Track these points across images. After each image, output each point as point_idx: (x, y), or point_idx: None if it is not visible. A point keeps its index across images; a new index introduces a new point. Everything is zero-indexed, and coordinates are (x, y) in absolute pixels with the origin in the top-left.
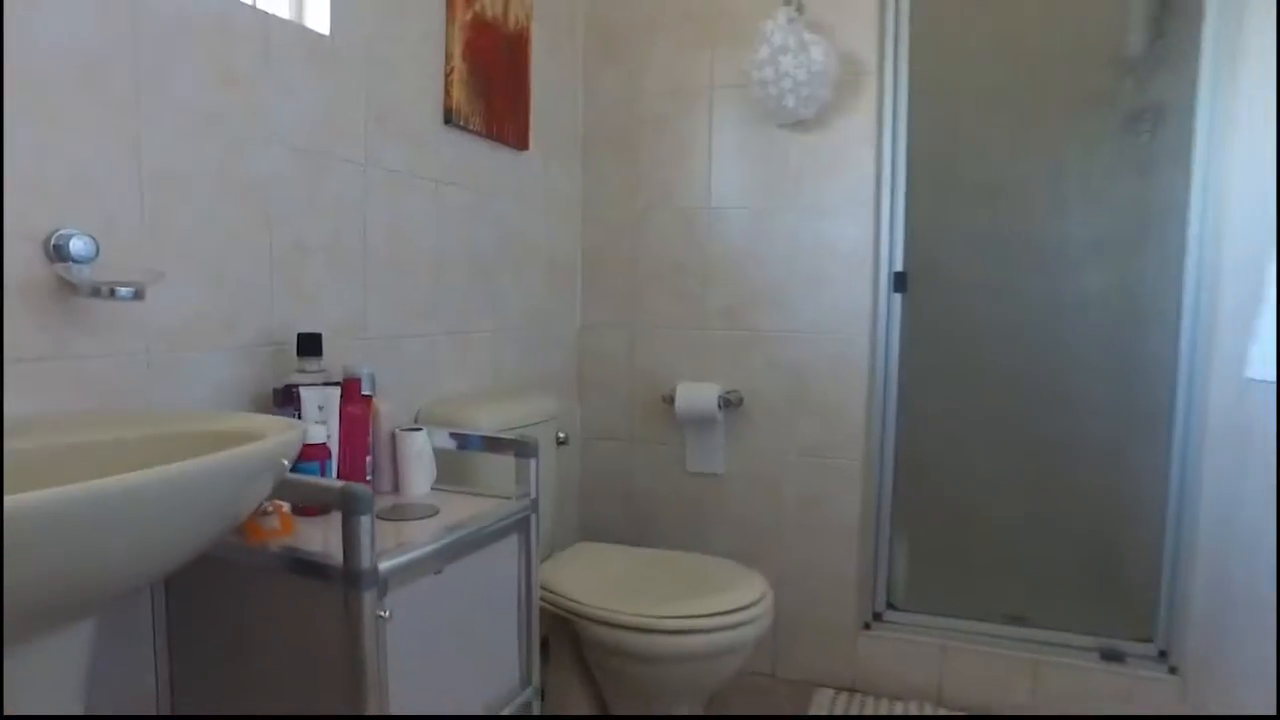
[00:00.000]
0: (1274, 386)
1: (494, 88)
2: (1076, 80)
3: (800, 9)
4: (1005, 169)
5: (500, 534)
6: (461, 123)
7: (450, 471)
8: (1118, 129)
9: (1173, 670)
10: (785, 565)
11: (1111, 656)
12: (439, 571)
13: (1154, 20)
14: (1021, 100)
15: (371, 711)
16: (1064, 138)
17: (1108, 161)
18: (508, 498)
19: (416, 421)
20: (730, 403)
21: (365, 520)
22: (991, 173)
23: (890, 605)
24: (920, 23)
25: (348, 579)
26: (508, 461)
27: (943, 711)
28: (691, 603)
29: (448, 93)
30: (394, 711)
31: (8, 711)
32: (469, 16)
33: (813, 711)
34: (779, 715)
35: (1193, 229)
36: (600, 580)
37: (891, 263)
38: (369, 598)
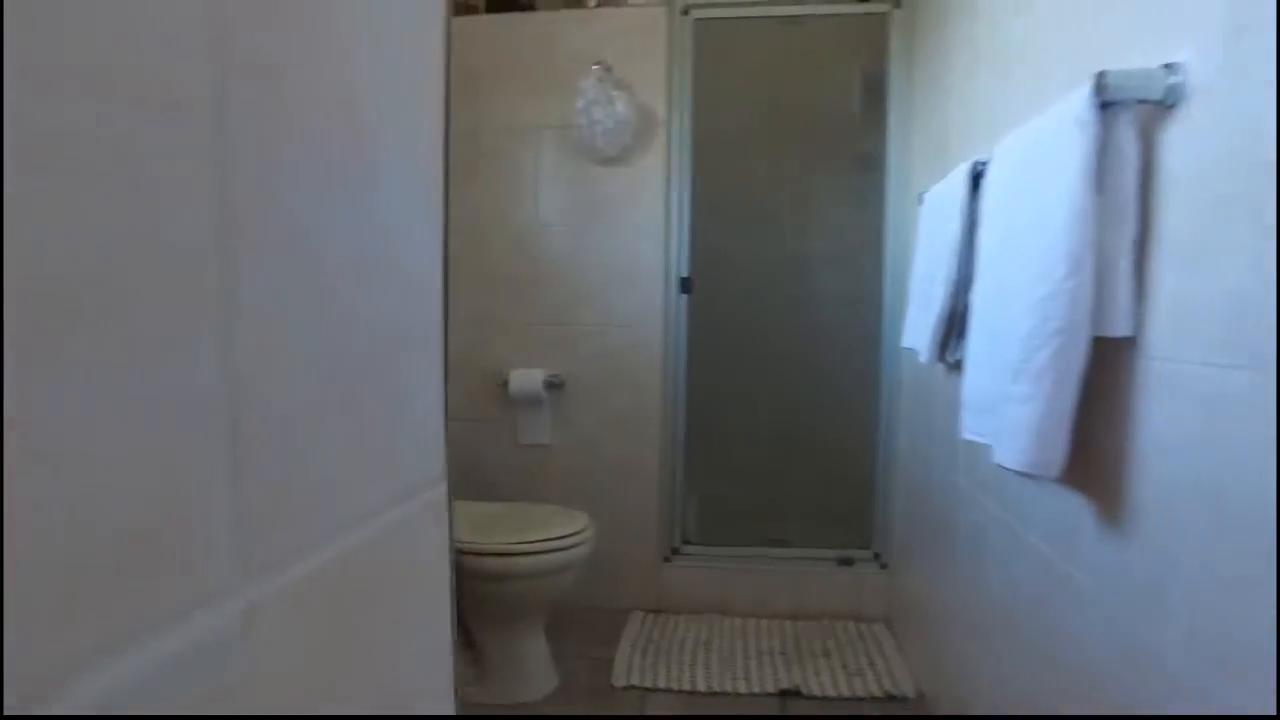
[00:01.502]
0: (922, 356)
1: None
2: (817, 131)
3: (608, 69)
4: (766, 199)
5: None
6: None
7: None
8: (846, 170)
9: (884, 567)
10: (602, 513)
11: (845, 562)
12: None
13: (865, 89)
14: (779, 146)
15: None
16: (809, 176)
17: (839, 195)
18: None
19: None
20: (554, 385)
21: None
22: (756, 201)
23: (685, 541)
24: (700, 85)
25: None
26: None
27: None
28: (536, 533)
29: None
30: None
31: None
32: None
33: (627, 628)
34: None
35: (888, 246)
36: (461, 525)
37: (679, 270)
38: None
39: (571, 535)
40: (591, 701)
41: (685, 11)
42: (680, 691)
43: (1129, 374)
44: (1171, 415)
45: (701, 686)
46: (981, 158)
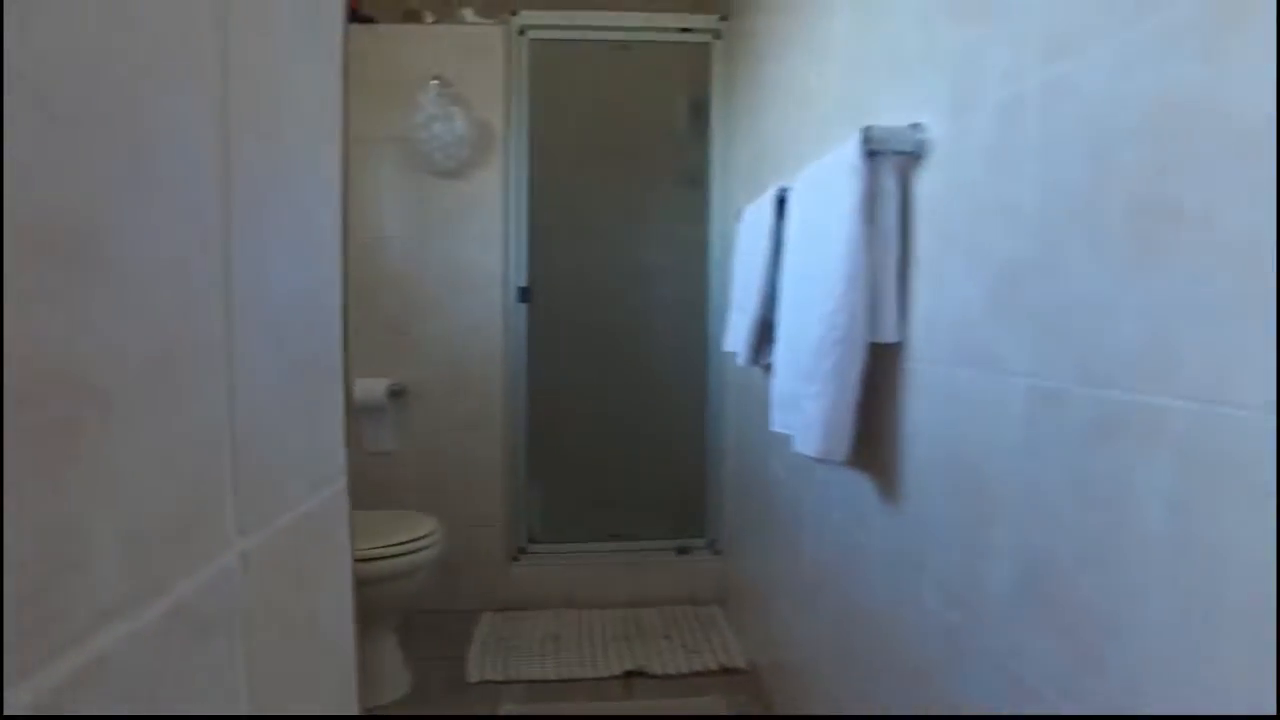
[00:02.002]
0: (739, 360)
1: None
2: (647, 149)
3: (447, 85)
4: (599, 212)
5: None
6: None
7: None
8: (673, 186)
9: (717, 553)
10: (449, 517)
11: (682, 551)
12: None
13: (691, 111)
14: (611, 162)
15: None
16: (639, 190)
17: (667, 209)
18: None
19: None
20: (397, 393)
21: None
22: (590, 214)
23: (531, 540)
24: (536, 102)
25: None
26: None
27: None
28: (384, 538)
29: None
30: None
31: None
32: None
33: (478, 627)
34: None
35: (712, 257)
36: None
37: (517, 279)
38: None
39: (420, 539)
40: (446, 699)
41: (521, 32)
42: (532, 681)
43: (898, 374)
44: (925, 407)
45: (552, 675)
46: (786, 183)
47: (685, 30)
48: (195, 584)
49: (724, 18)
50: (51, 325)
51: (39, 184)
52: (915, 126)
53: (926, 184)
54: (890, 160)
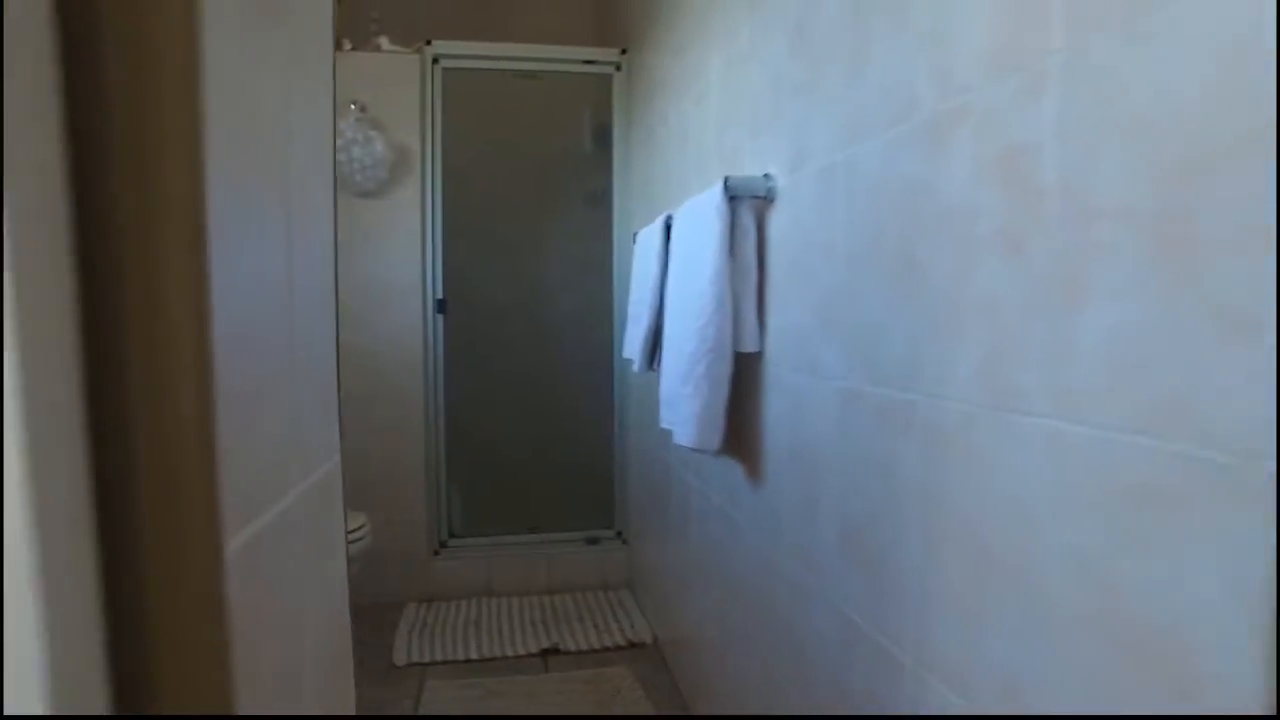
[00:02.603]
0: (635, 367)
1: None
2: (554, 171)
3: (364, 109)
4: (511, 229)
5: None
6: None
7: None
8: (579, 205)
9: (624, 542)
10: (374, 515)
11: (592, 541)
12: None
13: (594, 137)
14: (521, 182)
15: None
16: (548, 209)
17: (574, 227)
18: None
19: None
20: None
21: None
22: (502, 232)
23: (452, 534)
24: (450, 127)
25: None
26: None
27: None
28: None
29: None
30: None
31: None
32: None
33: (403, 616)
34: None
35: (616, 271)
36: None
37: (435, 293)
38: None
39: (351, 533)
40: (375, 681)
41: (435, 61)
42: (456, 662)
43: (760, 378)
44: (780, 404)
45: (475, 655)
46: (673, 211)
47: (589, 62)
48: (324, 471)
49: (624, 51)
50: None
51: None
52: (767, 176)
53: (776, 223)
54: (748, 202)
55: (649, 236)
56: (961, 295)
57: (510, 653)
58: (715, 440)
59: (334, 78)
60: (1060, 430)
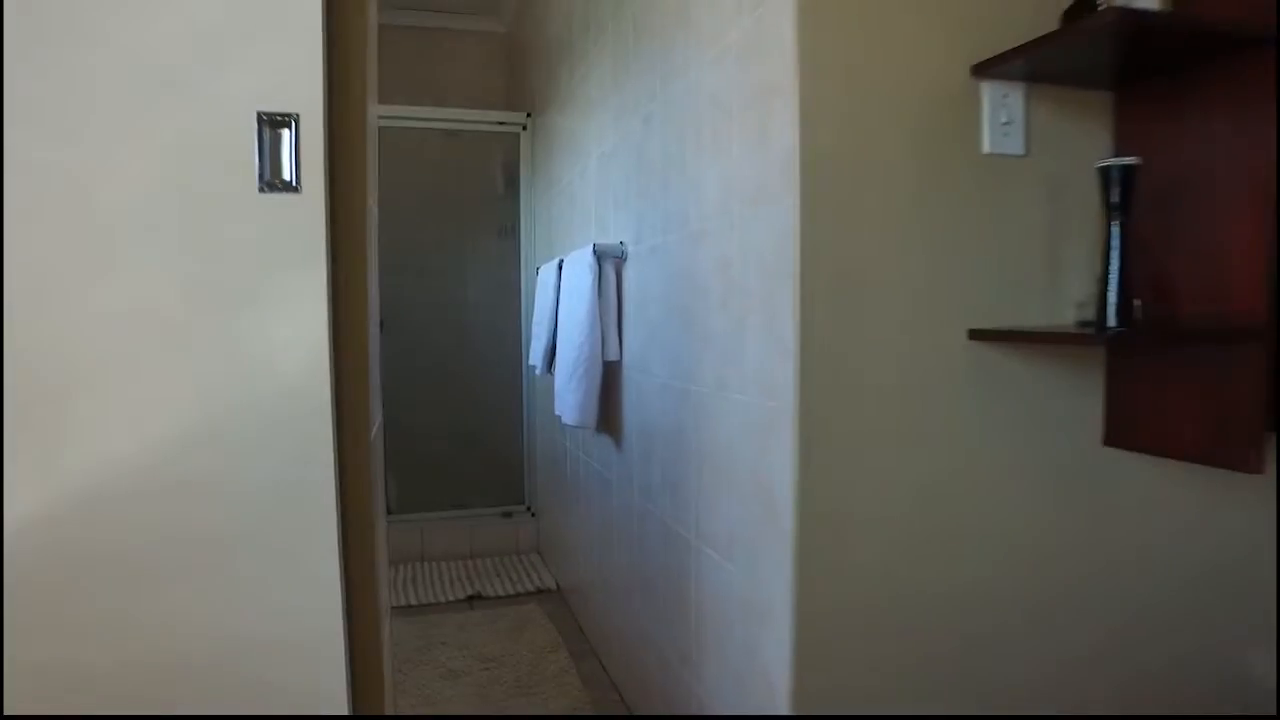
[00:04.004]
0: (537, 371)
1: None
2: (473, 210)
3: None
4: (439, 258)
5: None
6: None
7: None
8: (494, 238)
9: (533, 515)
10: None
11: (506, 515)
12: None
13: (506, 181)
14: (445, 219)
15: None
16: (468, 242)
17: (490, 257)
18: None
19: None
20: None
21: None
22: (432, 260)
23: (389, 511)
24: (384, 173)
25: None
26: None
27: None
28: None
29: None
30: None
31: None
32: None
33: None
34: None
35: (524, 294)
36: None
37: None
38: None
39: None
40: None
41: None
42: (400, 607)
43: (619, 378)
44: (632, 394)
45: (414, 602)
46: (564, 257)
47: (500, 123)
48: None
49: (530, 114)
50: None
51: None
52: (621, 243)
53: (628, 276)
54: (610, 259)
55: (547, 273)
56: (706, 330)
57: (443, 599)
58: (592, 419)
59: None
60: (738, 399)
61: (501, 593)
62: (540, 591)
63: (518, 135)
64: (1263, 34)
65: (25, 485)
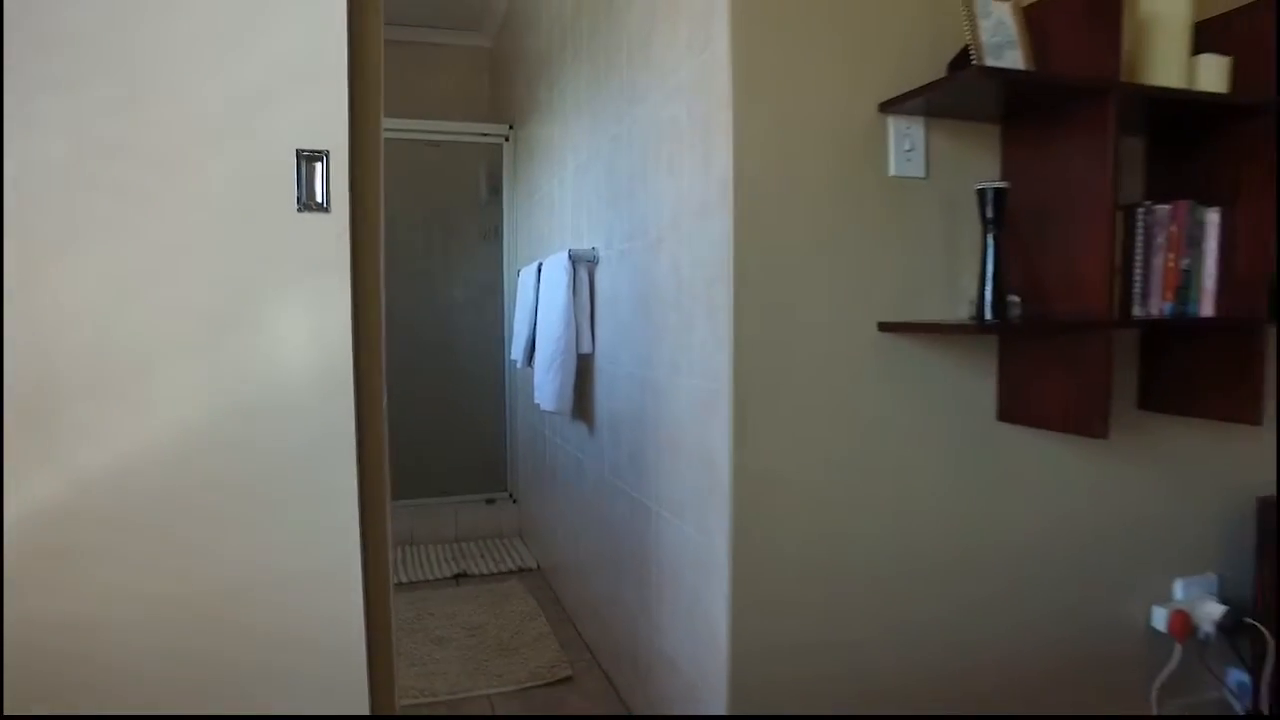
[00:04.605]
0: (518, 364)
1: None
2: (459, 216)
3: None
4: (428, 260)
5: None
6: None
7: None
8: (480, 242)
9: (515, 501)
10: None
11: (490, 501)
12: None
13: (490, 189)
14: (435, 224)
15: None
16: (453, 244)
17: (476, 258)
18: None
19: None
20: None
21: None
22: (421, 262)
23: None
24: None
25: None
26: None
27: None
28: None
29: None
30: None
31: None
32: None
33: None
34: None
35: (505, 292)
36: None
37: None
38: None
39: None
40: None
41: None
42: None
43: (592, 369)
44: (602, 384)
45: (403, 580)
46: (542, 260)
47: (484, 134)
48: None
49: (511, 126)
50: None
51: None
52: (594, 249)
53: (599, 278)
54: (584, 263)
55: (527, 275)
56: (663, 325)
57: (432, 577)
58: (568, 406)
59: None
60: (687, 383)
61: (485, 571)
62: (521, 570)
63: (500, 146)
64: (1100, 85)
65: (111, 439)
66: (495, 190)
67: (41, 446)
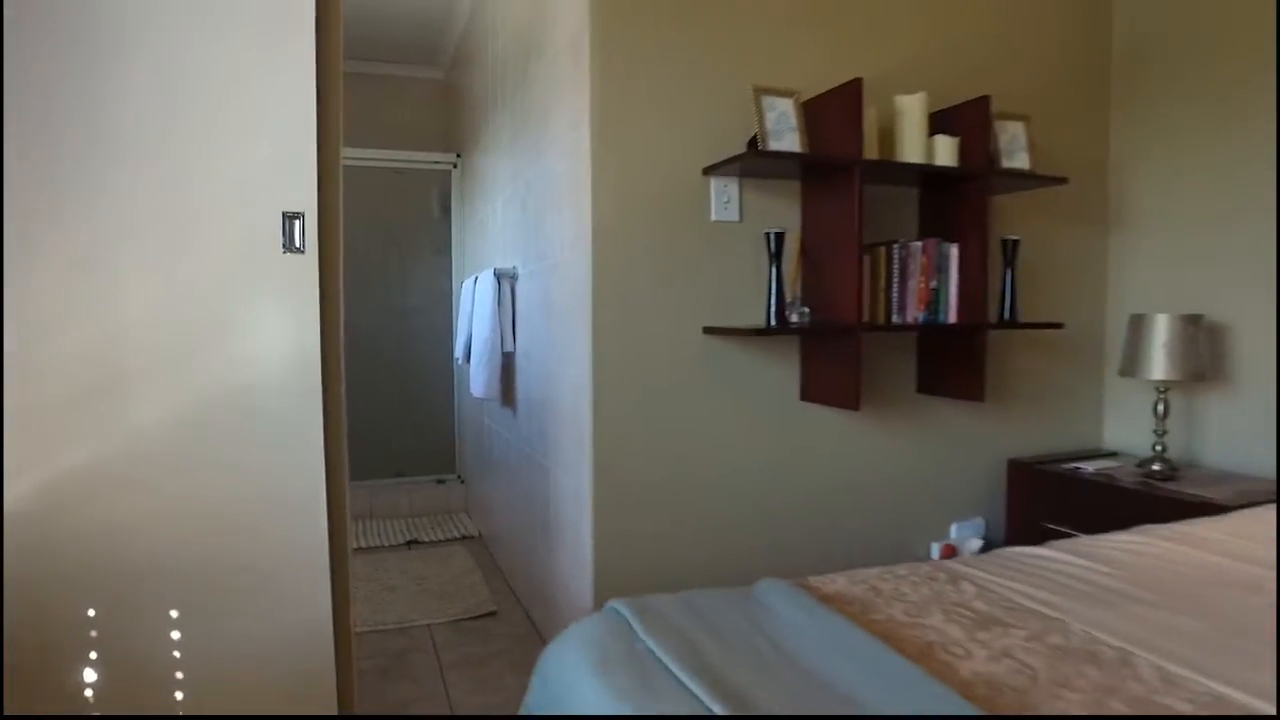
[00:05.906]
0: (459, 361)
1: None
2: (414, 233)
3: None
4: (385, 272)
5: None
6: None
7: None
8: (432, 255)
9: (462, 481)
10: None
11: (440, 482)
12: None
13: (441, 209)
14: (392, 240)
15: None
16: (408, 257)
17: (429, 270)
18: None
19: None
20: None
21: None
22: (380, 274)
23: None
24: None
25: None
26: None
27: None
28: None
29: None
30: None
31: None
32: None
33: None
34: None
35: (453, 299)
36: None
37: None
38: None
39: None
40: None
41: None
42: (355, 549)
43: (514, 364)
44: (523, 376)
45: (363, 544)
46: (479, 274)
47: (436, 162)
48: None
49: (459, 155)
50: None
51: None
52: (514, 267)
53: (520, 292)
54: (507, 278)
55: (467, 286)
56: (558, 329)
57: (387, 544)
58: (495, 394)
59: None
60: (568, 371)
61: (434, 539)
62: (465, 538)
63: (449, 172)
64: (846, 162)
65: (158, 407)
66: (446, 210)
67: (111, 410)
